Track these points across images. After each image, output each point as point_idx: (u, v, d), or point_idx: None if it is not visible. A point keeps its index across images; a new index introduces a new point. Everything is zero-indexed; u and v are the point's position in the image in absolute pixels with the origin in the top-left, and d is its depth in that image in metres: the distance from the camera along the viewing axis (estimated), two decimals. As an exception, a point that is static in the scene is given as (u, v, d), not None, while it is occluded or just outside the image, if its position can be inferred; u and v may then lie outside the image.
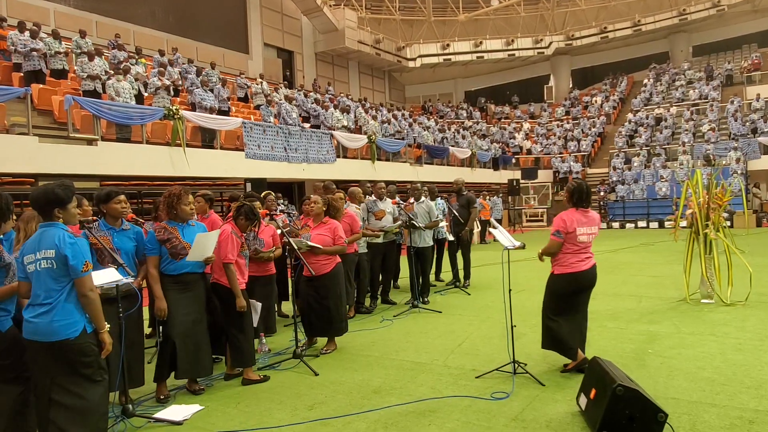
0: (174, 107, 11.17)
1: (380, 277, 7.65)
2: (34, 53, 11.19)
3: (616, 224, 20.81)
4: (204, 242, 4.22)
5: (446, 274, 9.33)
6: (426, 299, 7.56)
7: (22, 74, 11.26)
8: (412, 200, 7.90)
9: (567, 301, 4.40)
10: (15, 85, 10.74)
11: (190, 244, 4.20)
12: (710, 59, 30.23)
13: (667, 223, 18.66)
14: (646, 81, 29.83)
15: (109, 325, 3.18)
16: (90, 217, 4.11)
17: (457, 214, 8.65)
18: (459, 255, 8.86)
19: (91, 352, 3.08)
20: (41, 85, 11.12)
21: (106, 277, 3.54)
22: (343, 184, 9.88)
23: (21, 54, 11.20)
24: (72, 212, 3.22)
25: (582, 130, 27.62)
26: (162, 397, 4.23)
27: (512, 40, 31.73)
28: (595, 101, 30.15)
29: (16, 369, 3.21)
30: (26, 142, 8.87)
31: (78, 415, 3.02)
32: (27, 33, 11.36)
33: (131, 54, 14.89)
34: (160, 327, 4.44)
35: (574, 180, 4.66)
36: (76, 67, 11.77)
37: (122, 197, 4.17)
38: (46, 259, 2.99)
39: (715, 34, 30.89)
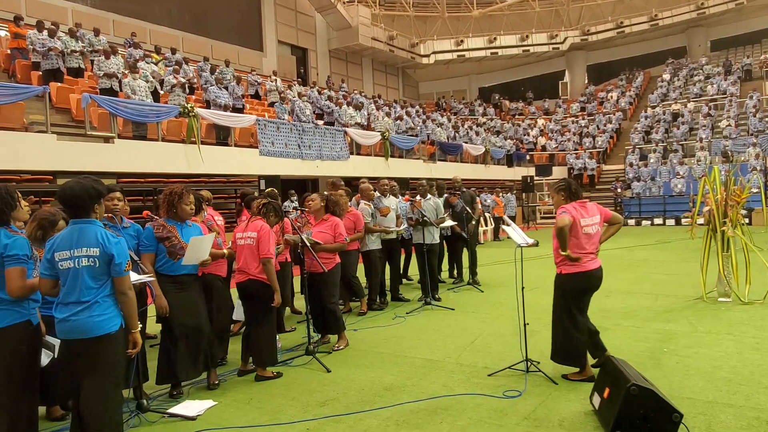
0: (189, 105, 11.27)
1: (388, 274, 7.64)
2: (52, 52, 11.35)
3: (632, 221, 20.58)
4: (198, 245, 4.16)
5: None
6: (437, 296, 7.55)
7: (40, 73, 11.43)
8: (418, 197, 7.88)
9: (576, 304, 4.23)
10: (33, 84, 10.92)
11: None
12: (728, 54, 29.72)
13: (683, 221, 18.44)
14: (662, 76, 29.42)
15: (141, 325, 3.15)
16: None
17: (459, 211, 8.52)
18: (465, 253, 8.80)
19: (123, 350, 3.07)
20: (59, 84, 11.28)
21: (133, 276, 3.51)
22: (355, 182, 9.89)
23: (39, 53, 11.36)
24: (104, 206, 3.20)
25: (597, 126, 27.34)
26: (174, 393, 4.26)
27: (527, 36, 31.48)
28: (611, 97, 29.80)
29: (34, 366, 3.22)
30: (44, 140, 9.03)
31: (101, 417, 3.00)
32: (45, 32, 11.51)
33: (147, 52, 15.03)
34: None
35: (560, 180, 4.53)
36: (93, 66, 11.91)
37: (117, 194, 4.08)
38: (88, 257, 2.94)
39: (733, 29, 30.37)
